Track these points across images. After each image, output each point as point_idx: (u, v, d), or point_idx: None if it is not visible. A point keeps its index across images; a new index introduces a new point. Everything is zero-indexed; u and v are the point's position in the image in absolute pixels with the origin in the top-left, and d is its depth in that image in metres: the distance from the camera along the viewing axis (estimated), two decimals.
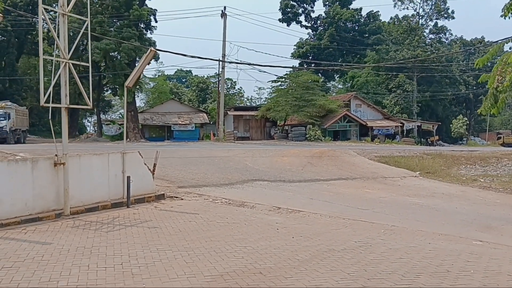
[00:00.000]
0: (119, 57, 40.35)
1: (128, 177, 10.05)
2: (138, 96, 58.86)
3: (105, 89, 51.96)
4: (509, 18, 12.30)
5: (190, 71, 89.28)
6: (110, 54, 40.31)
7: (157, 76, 68.44)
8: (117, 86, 43.40)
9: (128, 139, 39.93)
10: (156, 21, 43.43)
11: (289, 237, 7.53)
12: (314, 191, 14.12)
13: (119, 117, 73.86)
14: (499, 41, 19.26)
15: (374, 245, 7.10)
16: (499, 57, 13.94)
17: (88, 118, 74.35)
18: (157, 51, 10.59)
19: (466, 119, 60.67)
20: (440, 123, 56.82)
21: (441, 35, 69.31)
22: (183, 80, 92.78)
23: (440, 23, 68.19)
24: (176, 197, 11.60)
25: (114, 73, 40.47)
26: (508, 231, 8.90)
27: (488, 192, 14.96)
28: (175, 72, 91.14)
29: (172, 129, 47.31)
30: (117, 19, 40.45)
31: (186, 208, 10.14)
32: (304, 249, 6.73)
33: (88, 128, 71.72)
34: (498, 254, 6.84)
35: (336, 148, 28.18)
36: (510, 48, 15.36)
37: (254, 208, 10.49)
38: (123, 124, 50.75)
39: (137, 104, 51.19)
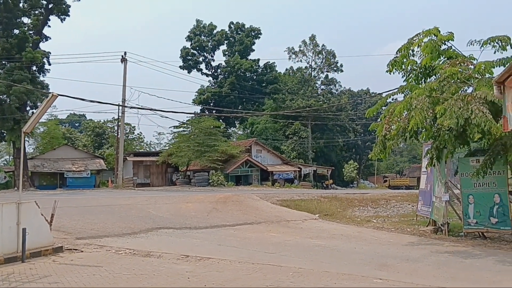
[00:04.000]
0: (8, 100, 37.61)
1: (24, 229, 9.26)
2: (27, 141, 54.85)
3: None
4: (393, 73, 13.80)
5: (84, 115, 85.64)
6: None
7: (48, 120, 64.55)
8: (5, 131, 40.18)
9: (16, 188, 36.77)
10: (49, 64, 41.61)
11: (202, 286, 7.42)
12: (221, 237, 14.09)
13: (4, 163, 67.91)
14: (383, 93, 21.38)
15: None
16: (385, 107, 15.42)
17: None
18: (59, 95, 10.01)
19: (356, 163, 65.27)
20: (333, 168, 60.52)
21: (331, 87, 74.78)
22: (77, 125, 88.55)
23: (331, 75, 73.79)
24: (76, 250, 10.86)
25: (2, 117, 37.48)
26: (403, 268, 9.60)
27: (382, 232, 16.04)
28: (68, 116, 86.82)
29: (65, 176, 44.55)
30: (8, 61, 37.97)
31: (88, 261, 9.54)
32: None
33: None
34: None
35: (239, 192, 28.53)
36: (393, 100, 17.11)
37: (162, 258, 10.18)
38: (9, 171, 46.97)
39: (26, 150, 47.58)
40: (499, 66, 12.27)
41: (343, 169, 63.25)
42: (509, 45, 12.13)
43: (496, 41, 12.24)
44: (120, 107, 41.30)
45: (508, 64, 8.89)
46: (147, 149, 72.13)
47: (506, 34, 12.28)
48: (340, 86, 76.09)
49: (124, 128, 48.85)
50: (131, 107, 40.43)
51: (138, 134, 70.28)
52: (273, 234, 14.98)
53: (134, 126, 65.57)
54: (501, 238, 13.69)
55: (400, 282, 8.07)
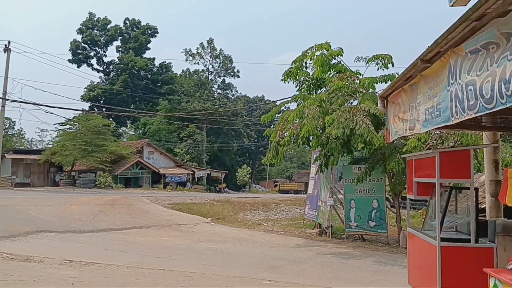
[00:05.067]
0: None
1: None
2: None
3: None
4: (288, 83, 14.42)
5: None
6: None
7: None
8: None
9: None
10: None
11: None
12: (108, 241, 13.49)
13: None
14: (278, 101, 22.18)
15: None
16: (279, 115, 16.00)
17: None
18: None
19: (249, 168, 66.83)
20: (227, 172, 61.29)
21: (227, 91, 75.70)
22: None
23: (227, 80, 74.68)
24: None
25: None
26: (291, 269, 10.02)
27: (271, 235, 16.56)
28: None
29: None
30: None
31: None
32: None
33: None
34: None
35: (128, 195, 27.63)
36: (286, 108, 17.83)
37: (43, 263, 9.45)
38: None
39: None
40: (381, 82, 13.41)
41: (237, 173, 64.33)
42: (390, 63, 13.30)
43: (380, 59, 13.35)
44: (0, 100, 37.61)
45: (391, 81, 9.75)
46: (28, 146, 66.58)
47: (389, 53, 13.47)
48: (236, 91, 77.50)
49: (4, 123, 44.57)
50: (13, 101, 36.82)
51: (18, 129, 64.67)
52: (164, 238, 14.73)
53: (15, 121, 60.32)
54: (378, 241, 14.90)
55: (287, 283, 8.41)
